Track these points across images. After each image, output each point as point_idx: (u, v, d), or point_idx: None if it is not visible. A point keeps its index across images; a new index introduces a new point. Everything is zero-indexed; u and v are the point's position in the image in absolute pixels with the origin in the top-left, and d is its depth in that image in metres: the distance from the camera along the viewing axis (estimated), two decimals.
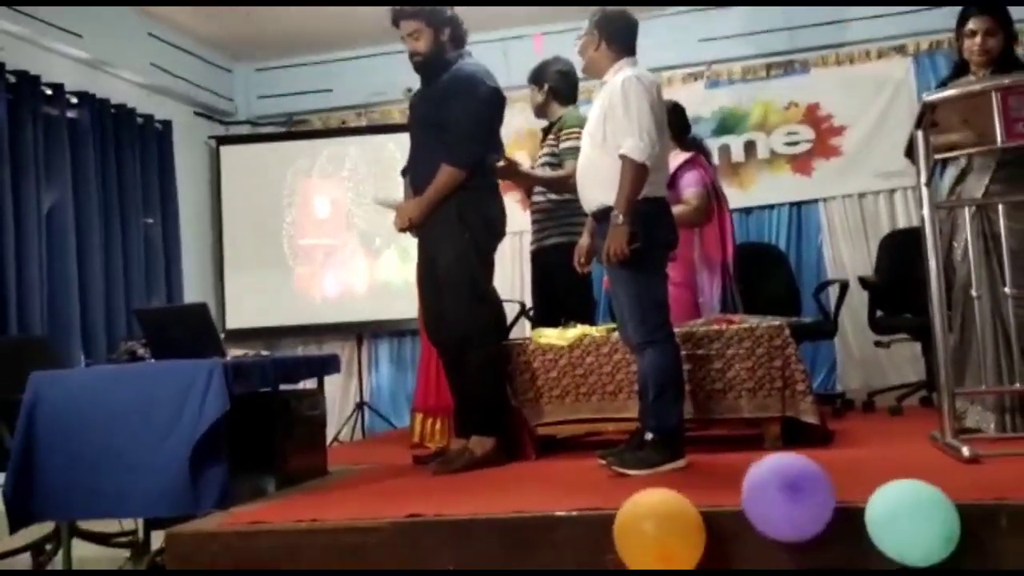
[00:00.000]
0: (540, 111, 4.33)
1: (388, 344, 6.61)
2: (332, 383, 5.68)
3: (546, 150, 4.21)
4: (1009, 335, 3.16)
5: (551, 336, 3.76)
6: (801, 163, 6.04)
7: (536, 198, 4.25)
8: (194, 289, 6.03)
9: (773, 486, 2.17)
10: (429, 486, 3.16)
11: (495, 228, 3.64)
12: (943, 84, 3.47)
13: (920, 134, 3.04)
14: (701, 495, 2.38)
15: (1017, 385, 3.14)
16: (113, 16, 5.48)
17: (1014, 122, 2.83)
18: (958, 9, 5.38)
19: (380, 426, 6.21)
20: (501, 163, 3.74)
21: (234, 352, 3.54)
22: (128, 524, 3.37)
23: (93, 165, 5.28)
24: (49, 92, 5.08)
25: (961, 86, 3.19)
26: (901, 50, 5.92)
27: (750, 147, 6.12)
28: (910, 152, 3.19)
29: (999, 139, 2.87)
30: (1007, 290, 3.04)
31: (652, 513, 2.19)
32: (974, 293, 3.12)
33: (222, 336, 3.45)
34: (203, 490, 2.91)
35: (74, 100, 5.25)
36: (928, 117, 3.01)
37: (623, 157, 3.03)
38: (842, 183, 5.95)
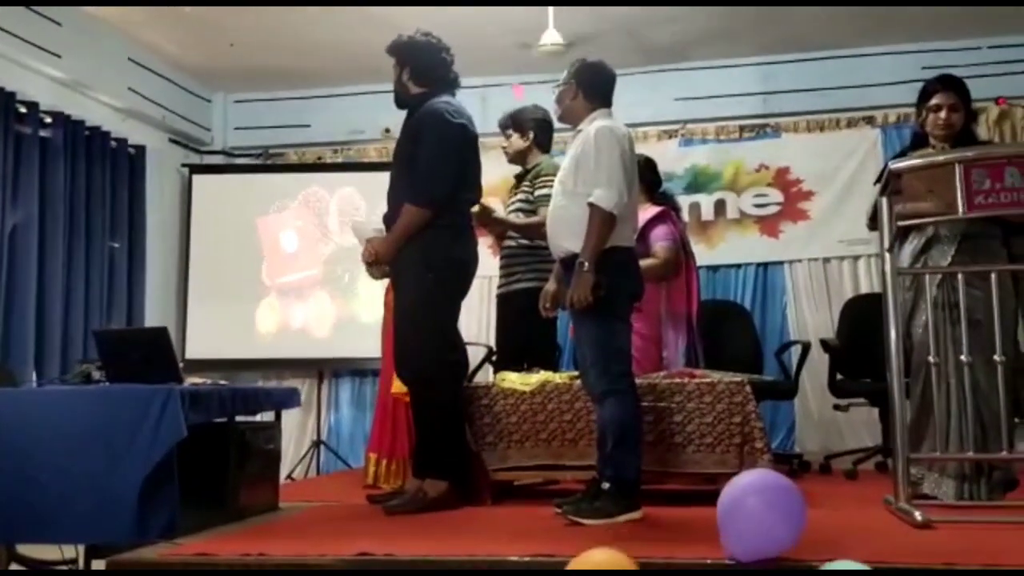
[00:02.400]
0: (519, 157, 4.34)
1: (350, 383, 6.54)
2: (290, 420, 5.62)
3: (520, 196, 4.24)
4: (969, 404, 3.19)
5: (514, 381, 3.75)
6: (769, 225, 6.13)
7: (506, 242, 4.27)
8: (156, 316, 5.95)
9: (750, 495, 2.18)
10: (381, 526, 3.12)
11: (462, 269, 3.61)
12: (902, 154, 3.53)
13: (884, 200, 3.11)
14: (654, 547, 2.37)
15: (970, 453, 3.18)
16: (93, 38, 5.48)
17: (975, 194, 2.90)
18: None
19: (336, 466, 6.12)
20: (475, 209, 3.76)
21: (192, 380, 3.49)
22: (69, 551, 3.27)
23: (62, 185, 5.23)
24: (23, 110, 5.04)
25: (920, 158, 3.26)
26: (870, 121, 6.06)
27: (720, 206, 6.21)
28: (874, 218, 3.25)
29: (960, 210, 2.94)
30: (963, 358, 3.07)
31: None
32: (931, 359, 3.14)
33: (181, 365, 3.39)
34: (150, 519, 2.85)
35: (48, 120, 5.21)
36: (892, 184, 3.08)
37: (591, 206, 3.06)
38: (808, 247, 6.05)
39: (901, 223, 3.16)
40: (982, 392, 3.16)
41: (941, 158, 3.13)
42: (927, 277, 3.29)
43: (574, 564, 2.18)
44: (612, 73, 3.34)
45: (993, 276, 3.08)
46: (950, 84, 3.46)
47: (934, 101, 3.45)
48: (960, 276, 3.14)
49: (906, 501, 2.97)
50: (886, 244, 3.10)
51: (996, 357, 3.04)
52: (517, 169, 4.37)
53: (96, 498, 2.87)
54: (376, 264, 3.62)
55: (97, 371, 3.35)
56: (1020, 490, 3.31)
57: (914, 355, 3.32)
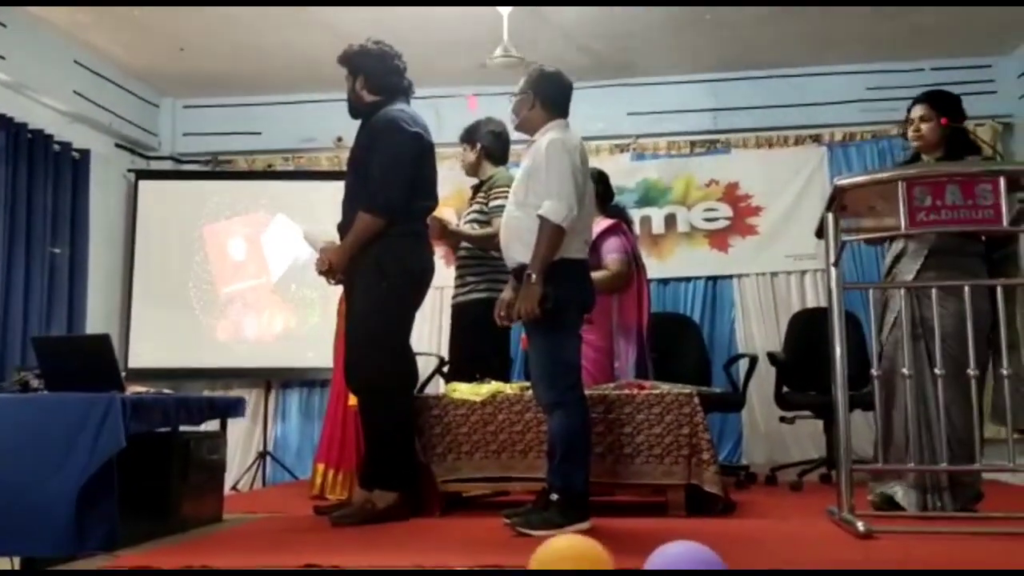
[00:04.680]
0: (471, 170, 4.38)
1: (297, 393, 6.45)
2: (235, 430, 5.53)
3: (475, 207, 4.25)
4: (931, 416, 3.24)
5: (464, 391, 3.74)
6: (718, 239, 6.21)
7: (461, 252, 4.28)
8: (98, 324, 5.81)
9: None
10: (327, 537, 3.08)
11: (417, 278, 3.60)
12: (903, 166, 3.62)
13: (830, 216, 3.17)
14: None
15: (910, 464, 3.23)
16: (39, 40, 5.36)
17: (917, 211, 2.97)
18: (870, 104, 5.75)
19: (282, 477, 6.03)
20: (429, 221, 3.75)
21: (135, 389, 3.41)
22: (4, 565, 3.17)
23: (3, 189, 5.09)
24: None
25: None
26: (817, 139, 6.18)
27: (671, 220, 6.27)
28: (821, 233, 3.31)
29: (902, 227, 3.01)
30: (937, 371, 3.12)
31: (567, 557, 2.12)
32: (906, 372, 3.16)
33: (123, 374, 3.31)
34: (88, 531, 2.77)
35: None
36: (838, 201, 3.14)
37: (540, 218, 3.06)
38: (756, 261, 6.13)
39: (845, 238, 3.22)
40: (944, 405, 3.20)
41: (884, 175, 3.20)
42: (895, 291, 3.35)
43: (539, 554, 2.14)
44: (569, 83, 3.35)
45: (934, 292, 3.16)
46: (923, 98, 3.57)
47: (910, 115, 3.56)
48: (935, 292, 3.19)
49: (848, 512, 3.01)
50: (831, 259, 3.16)
51: (937, 370, 3.10)
52: (474, 180, 4.39)
53: (32, 510, 2.78)
54: (330, 273, 3.58)
55: (36, 379, 3.26)
56: (986, 502, 3.36)
57: (880, 367, 3.35)
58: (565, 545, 2.12)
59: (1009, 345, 3.08)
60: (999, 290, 3.18)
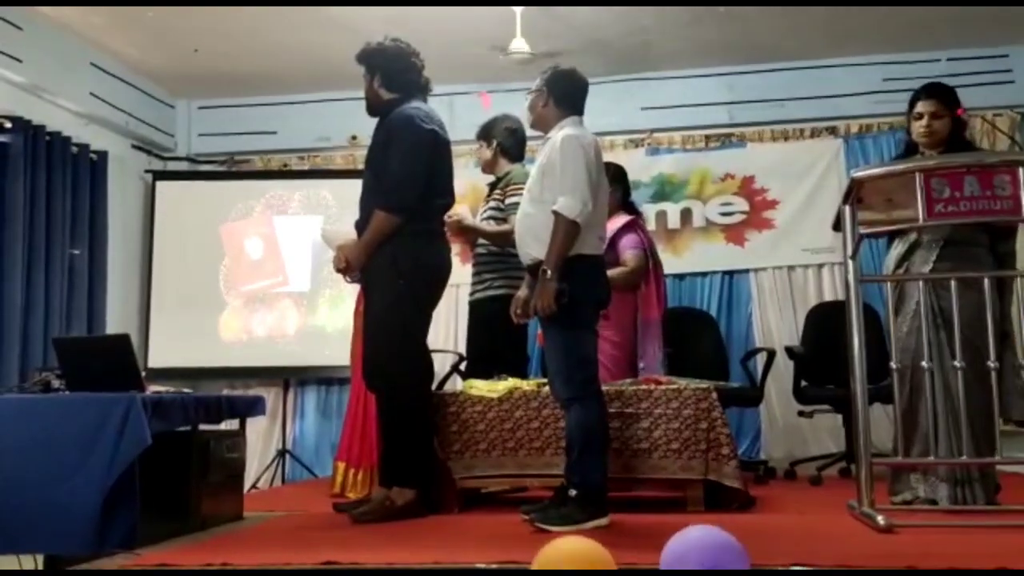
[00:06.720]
0: (488, 167, 4.39)
1: (315, 392, 6.48)
2: (255, 428, 5.56)
3: (492, 204, 4.25)
4: (957, 407, 3.21)
5: (482, 388, 3.75)
6: (735, 233, 6.18)
7: (478, 249, 4.29)
8: (117, 324, 5.85)
9: (692, 560, 2.15)
10: (347, 534, 3.10)
11: (433, 276, 3.61)
12: (897, 160, 3.59)
13: (847, 209, 3.15)
14: (622, 554, 2.36)
15: (931, 458, 3.21)
16: (55, 43, 5.40)
17: (935, 202, 2.95)
18: (886, 96, 5.67)
19: (301, 475, 6.06)
20: (447, 218, 3.76)
21: (154, 389, 3.44)
22: (28, 563, 3.21)
23: (22, 191, 5.13)
24: None
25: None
26: (833, 131, 6.14)
27: (686, 215, 6.24)
28: (838, 226, 3.29)
29: (920, 218, 2.99)
30: (956, 363, 3.10)
31: (569, 559, 2.13)
32: (925, 365, 3.15)
33: (143, 373, 3.34)
34: (110, 529, 2.79)
35: (8, 124, 5.12)
36: (855, 193, 3.12)
37: (555, 214, 3.07)
38: (773, 255, 6.10)
39: (863, 231, 3.20)
40: (967, 395, 3.18)
41: (901, 167, 3.18)
42: (912, 282, 3.33)
43: (542, 555, 2.14)
44: (584, 81, 3.36)
45: (953, 283, 3.14)
46: (933, 92, 3.51)
47: (917, 109, 3.50)
48: (953, 284, 3.17)
49: (869, 506, 3.00)
50: (849, 252, 3.14)
51: (956, 363, 3.09)
52: (491, 178, 4.39)
53: (54, 509, 2.81)
54: (347, 271, 3.60)
55: (57, 379, 3.29)
56: (1003, 494, 3.35)
57: (898, 359, 3.33)
58: (568, 547, 2.12)
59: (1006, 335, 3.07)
60: (1017, 282, 3.15)
